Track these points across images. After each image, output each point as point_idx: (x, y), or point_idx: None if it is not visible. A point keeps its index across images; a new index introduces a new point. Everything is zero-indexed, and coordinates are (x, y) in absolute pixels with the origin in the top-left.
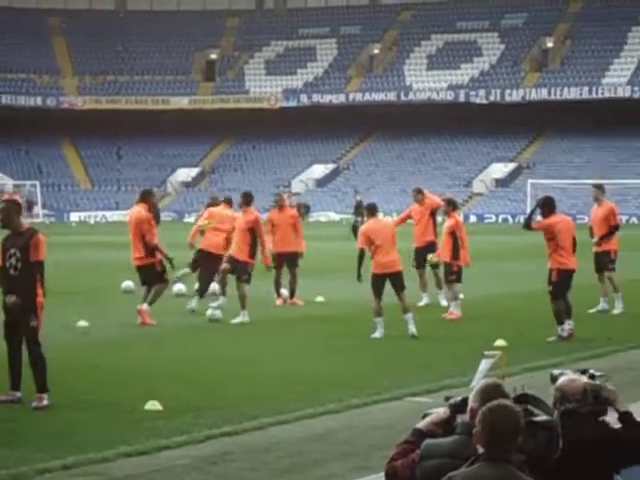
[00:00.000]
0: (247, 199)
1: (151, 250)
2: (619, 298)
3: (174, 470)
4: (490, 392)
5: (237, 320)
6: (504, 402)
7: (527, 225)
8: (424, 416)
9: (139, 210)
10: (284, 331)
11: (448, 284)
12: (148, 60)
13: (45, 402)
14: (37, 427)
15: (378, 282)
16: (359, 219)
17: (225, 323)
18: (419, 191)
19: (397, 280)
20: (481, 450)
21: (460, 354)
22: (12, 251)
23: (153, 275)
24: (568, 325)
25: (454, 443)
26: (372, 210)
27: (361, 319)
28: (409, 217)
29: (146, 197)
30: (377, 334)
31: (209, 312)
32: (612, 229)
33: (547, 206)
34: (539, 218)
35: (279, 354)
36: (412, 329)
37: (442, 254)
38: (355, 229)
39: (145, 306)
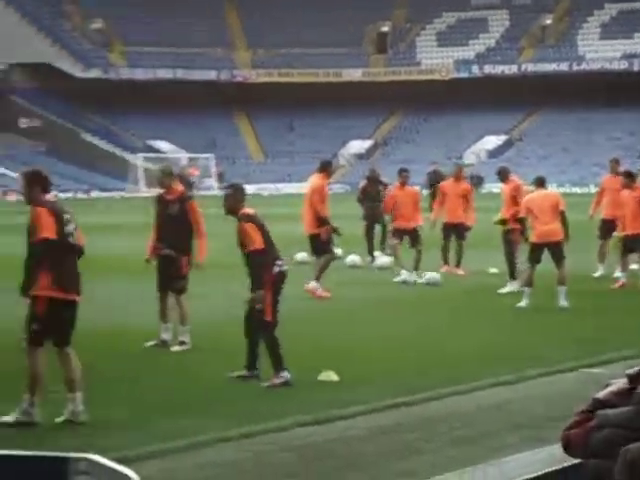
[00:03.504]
0: None
1: (321, 220)
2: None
3: (348, 440)
4: None
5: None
6: None
7: None
8: (606, 386)
9: (315, 179)
10: (450, 304)
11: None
12: (319, 33)
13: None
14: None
15: (536, 251)
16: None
17: (400, 296)
18: (617, 161)
19: (557, 251)
20: None
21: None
22: None
23: (318, 245)
24: None
25: (626, 413)
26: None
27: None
28: (603, 190)
29: (325, 167)
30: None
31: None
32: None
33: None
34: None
35: (453, 326)
36: (563, 302)
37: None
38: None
39: (313, 283)
